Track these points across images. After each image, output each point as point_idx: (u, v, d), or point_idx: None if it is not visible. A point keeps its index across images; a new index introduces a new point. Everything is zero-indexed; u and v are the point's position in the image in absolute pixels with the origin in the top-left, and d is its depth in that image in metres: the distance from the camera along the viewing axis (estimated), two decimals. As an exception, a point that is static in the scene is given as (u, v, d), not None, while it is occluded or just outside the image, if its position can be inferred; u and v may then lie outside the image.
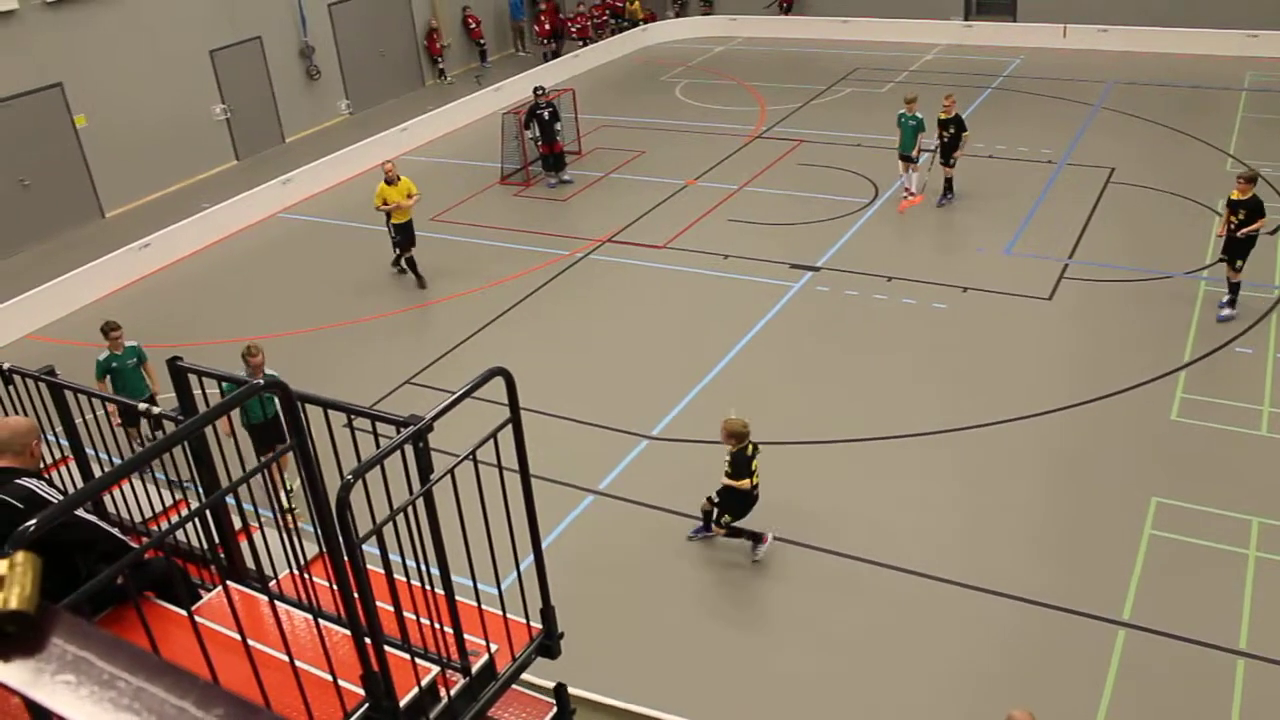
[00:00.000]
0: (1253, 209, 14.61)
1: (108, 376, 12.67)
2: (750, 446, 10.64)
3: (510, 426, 4.83)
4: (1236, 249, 14.79)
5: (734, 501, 10.81)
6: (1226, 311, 15.05)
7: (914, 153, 19.12)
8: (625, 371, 14.95)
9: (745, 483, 10.58)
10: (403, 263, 17.94)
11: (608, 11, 34.91)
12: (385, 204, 17.24)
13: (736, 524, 10.92)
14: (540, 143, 21.81)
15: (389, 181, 17.22)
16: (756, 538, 11.02)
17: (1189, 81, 26.44)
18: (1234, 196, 14.79)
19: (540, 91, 21.97)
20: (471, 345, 15.78)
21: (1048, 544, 11.11)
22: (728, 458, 10.72)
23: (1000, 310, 15.83)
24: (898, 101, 24.74)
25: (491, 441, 4.68)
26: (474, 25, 31.49)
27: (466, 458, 4.50)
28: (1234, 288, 15.07)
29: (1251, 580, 10.41)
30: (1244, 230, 14.56)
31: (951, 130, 18.86)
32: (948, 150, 19.07)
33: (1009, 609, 10.20)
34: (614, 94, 28.57)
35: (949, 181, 19.43)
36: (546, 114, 21.59)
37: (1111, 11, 30.01)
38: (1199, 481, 11.83)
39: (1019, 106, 25.45)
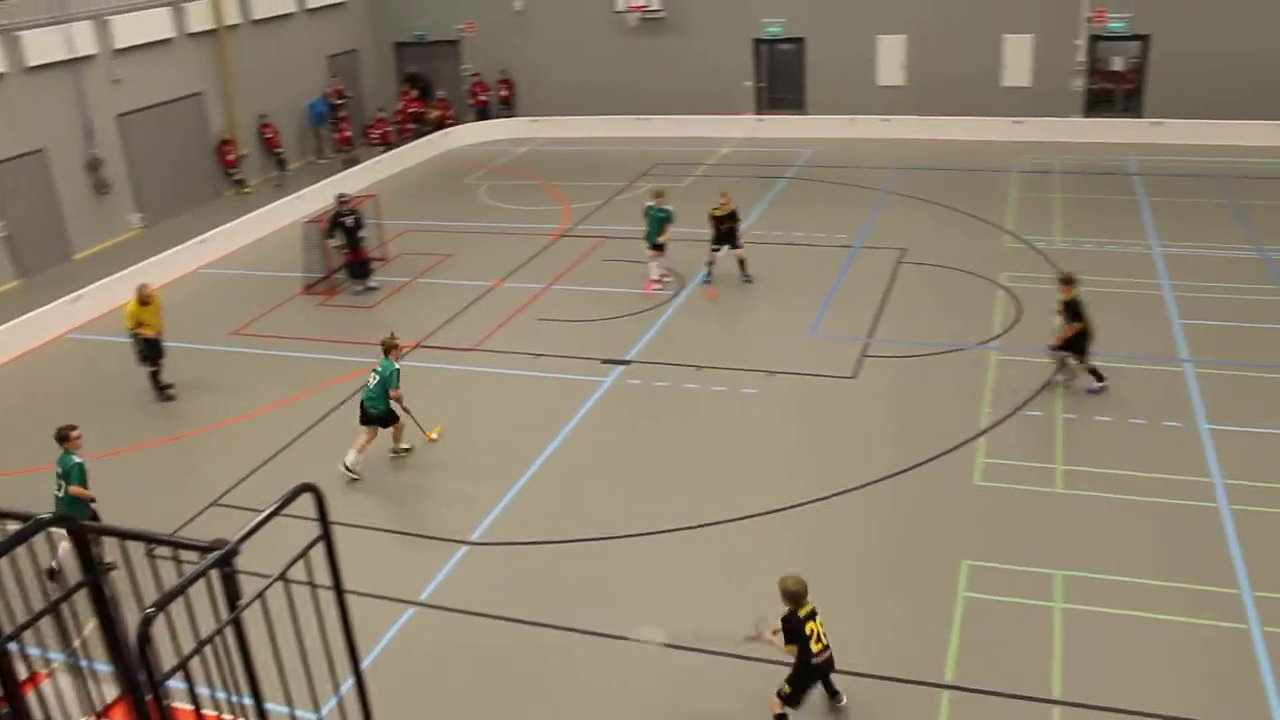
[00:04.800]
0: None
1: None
2: (808, 609, 9.51)
3: (322, 543, 4.68)
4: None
5: (795, 671, 9.60)
6: (1096, 385, 15.72)
7: (661, 240, 20.26)
8: (440, 476, 14.72)
9: (792, 648, 9.46)
10: (157, 378, 17.66)
11: (410, 117, 35.03)
12: (141, 326, 17.21)
13: (792, 694, 9.62)
14: (345, 250, 21.56)
15: (144, 302, 17.24)
16: (834, 694, 10.04)
17: (966, 165, 28.33)
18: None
19: (343, 198, 21.76)
20: (281, 461, 15.26)
21: (867, 616, 11.37)
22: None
23: (808, 391, 16.34)
24: (698, 195, 25.66)
25: (303, 560, 4.52)
26: (270, 135, 31.06)
27: (276, 580, 4.34)
28: (1092, 371, 15.74)
29: (1060, 630, 10.92)
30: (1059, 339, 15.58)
31: (729, 224, 20.40)
32: (731, 237, 20.46)
33: (838, 683, 10.35)
34: (418, 198, 28.57)
35: (742, 262, 20.67)
36: (350, 221, 21.39)
37: (893, 102, 32.08)
38: (1004, 541, 12.37)
39: (813, 194, 26.66)
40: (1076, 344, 15.56)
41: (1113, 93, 31.82)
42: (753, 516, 13.20)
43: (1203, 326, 17.78)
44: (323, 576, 4.67)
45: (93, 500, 12.41)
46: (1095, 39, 30.82)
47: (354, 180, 28.30)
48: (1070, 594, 11.47)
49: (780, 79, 33.87)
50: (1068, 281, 15.72)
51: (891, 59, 32.30)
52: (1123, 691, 10.08)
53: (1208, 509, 12.86)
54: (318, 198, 26.54)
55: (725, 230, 20.41)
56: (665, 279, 20.80)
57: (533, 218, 26.02)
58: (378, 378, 14.50)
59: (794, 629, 9.39)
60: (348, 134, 32.68)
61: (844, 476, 13.85)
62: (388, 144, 33.22)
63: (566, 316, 19.63)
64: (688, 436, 15.34)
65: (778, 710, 9.68)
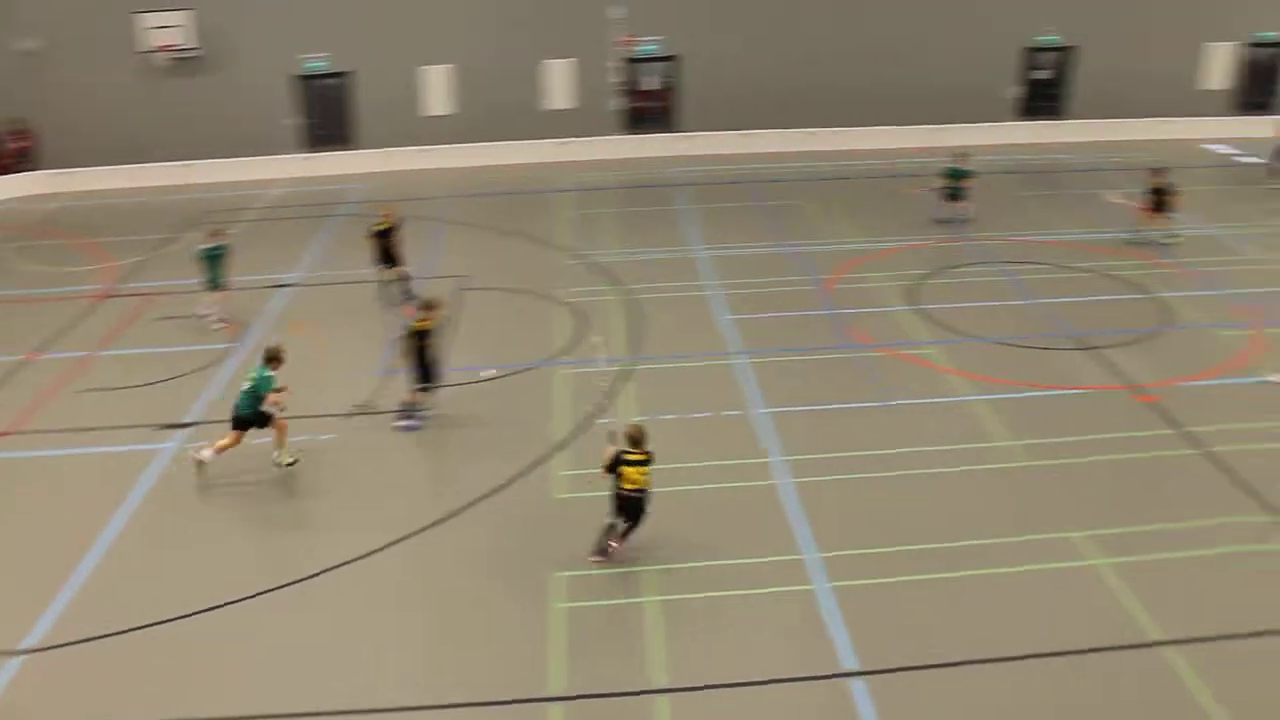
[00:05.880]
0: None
1: None
2: (639, 455, 11.85)
3: None
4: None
5: (611, 496, 12.15)
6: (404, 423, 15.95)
7: (225, 279, 20.27)
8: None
9: (604, 475, 11.96)
10: None
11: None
12: None
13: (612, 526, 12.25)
14: None
15: None
16: (606, 547, 12.31)
17: (518, 188, 29.26)
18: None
19: None
20: None
21: (464, 645, 11.31)
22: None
23: (386, 430, 15.99)
24: (250, 241, 24.57)
25: None
26: None
27: None
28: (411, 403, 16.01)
29: (658, 622, 11.41)
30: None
31: (389, 239, 20.79)
32: (392, 255, 20.84)
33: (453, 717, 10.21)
34: (-74, 271, 25.28)
35: (405, 279, 20.97)
36: None
37: (443, 131, 32.59)
38: (589, 548, 12.68)
39: (362, 230, 26.17)
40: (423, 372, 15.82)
41: (649, 111, 33.94)
42: (347, 563, 12.70)
43: (748, 320, 19.31)
44: None
45: None
46: (631, 61, 32.79)
47: None
48: (662, 587, 12.00)
49: (328, 114, 33.12)
50: (428, 307, 15.93)
51: (438, 89, 32.64)
52: (722, 668, 10.70)
53: (770, 486, 13.96)
54: None
55: (386, 247, 20.67)
56: (221, 320, 20.12)
57: (70, 280, 23.72)
58: (250, 384, 14.63)
59: (611, 463, 11.91)
60: None
61: (430, 510, 13.68)
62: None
63: (115, 384, 17.95)
64: (272, 492, 14.54)
65: (608, 519, 12.26)
